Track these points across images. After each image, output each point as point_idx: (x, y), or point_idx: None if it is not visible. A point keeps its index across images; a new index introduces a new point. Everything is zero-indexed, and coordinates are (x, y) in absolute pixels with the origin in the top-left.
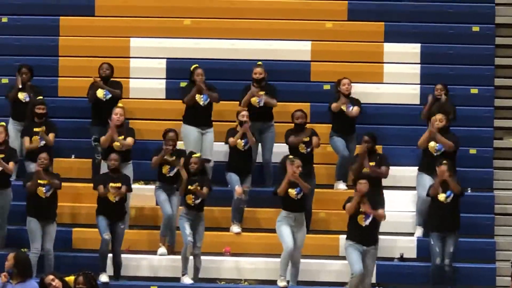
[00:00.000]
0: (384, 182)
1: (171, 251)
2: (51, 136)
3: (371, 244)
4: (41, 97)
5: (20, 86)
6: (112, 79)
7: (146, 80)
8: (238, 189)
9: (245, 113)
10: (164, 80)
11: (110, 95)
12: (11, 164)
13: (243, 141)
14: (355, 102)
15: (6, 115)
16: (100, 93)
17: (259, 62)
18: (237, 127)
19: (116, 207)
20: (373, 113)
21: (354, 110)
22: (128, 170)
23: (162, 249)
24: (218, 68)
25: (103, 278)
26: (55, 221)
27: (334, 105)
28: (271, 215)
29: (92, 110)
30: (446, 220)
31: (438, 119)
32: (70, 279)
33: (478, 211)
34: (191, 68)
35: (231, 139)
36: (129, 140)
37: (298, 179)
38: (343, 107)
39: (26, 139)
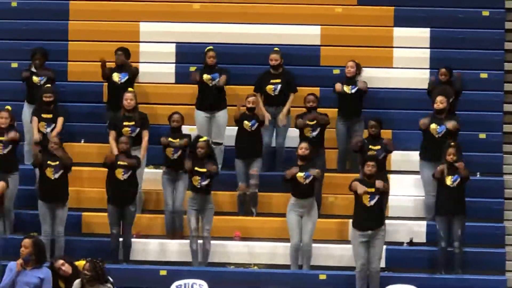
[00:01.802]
0: (394, 166)
1: (180, 235)
2: (59, 120)
3: (377, 226)
4: (49, 85)
5: (34, 70)
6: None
7: (155, 64)
8: (241, 185)
9: (251, 99)
10: (174, 65)
11: (125, 78)
12: (15, 133)
13: (250, 122)
14: (361, 85)
15: (18, 99)
16: (115, 76)
17: (276, 48)
18: (244, 112)
19: (125, 186)
20: (382, 98)
21: (360, 84)
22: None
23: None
24: (227, 52)
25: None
26: (66, 204)
27: (337, 86)
28: (281, 199)
29: (107, 94)
30: (451, 204)
31: (439, 101)
32: (80, 263)
33: (488, 196)
34: (205, 50)
35: (235, 115)
36: (144, 142)
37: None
38: (346, 89)
39: (34, 119)
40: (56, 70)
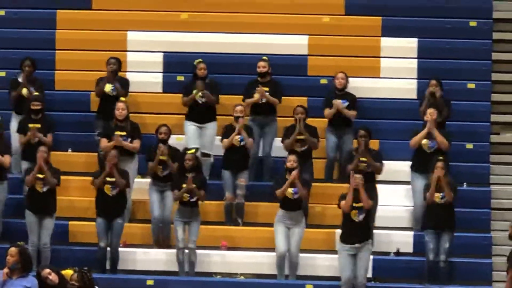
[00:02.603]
0: (381, 176)
1: (166, 245)
2: (49, 136)
3: (364, 239)
4: (37, 93)
5: (21, 80)
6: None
7: (143, 73)
8: (228, 195)
9: (239, 108)
10: (161, 74)
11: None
12: (6, 157)
13: (238, 137)
14: (350, 98)
15: (5, 108)
16: (107, 87)
17: (264, 57)
18: (233, 123)
19: (114, 202)
20: (369, 108)
21: (351, 113)
22: (131, 165)
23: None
24: (215, 62)
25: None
26: (53, 216)
27: (326, 112)
28: (268, 209)
29: (99, 104)
30: (441, 219)
31: (429, 113)
32: (67, 272)
33: (475, 206)
34: (195, 63)
35: (224, 141)
36: (136, 143)
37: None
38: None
39: (21, 136)
40: (43, 79)
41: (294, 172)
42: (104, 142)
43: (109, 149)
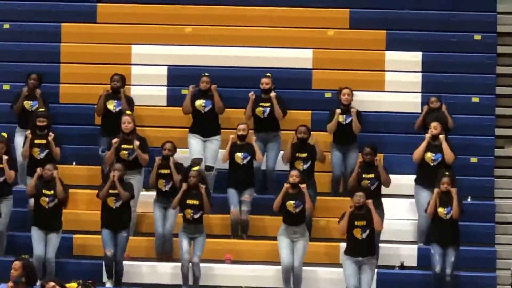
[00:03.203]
0: (385, 190)
1: (169, 259)
2: (56, 151)
3: (369, 254)
4: (42, 109)
5: (27, 93)
6: (124, 93)
7: (147, 87)
8: (233, 210)
9: (242, 126)
10: (166, 87)
11: (120, 108)
12: (11, 173)
13: (241, 154)
14: (355, 114)
15: (11, 121)
16: (110, 104)
17: (268, 74)
18: (236, 141)
19: (118, 214)
20: (374, 121)
21: (355, 127)
22: (136, 179)
23: (108, 284)
24: (219, 75)
25: (108, 284)
26: (59, 231)
27: (329, 127)
28: (272, 222)
29: (101, 120)
30: (446, 235)
31: (433, 127)
32: (71, 286)
33: (479, 220)
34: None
35: (222, 155)
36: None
37: None
38: (340, 119)
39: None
40: (48, 92)
41: (286, 184)
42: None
43: (110, 158)
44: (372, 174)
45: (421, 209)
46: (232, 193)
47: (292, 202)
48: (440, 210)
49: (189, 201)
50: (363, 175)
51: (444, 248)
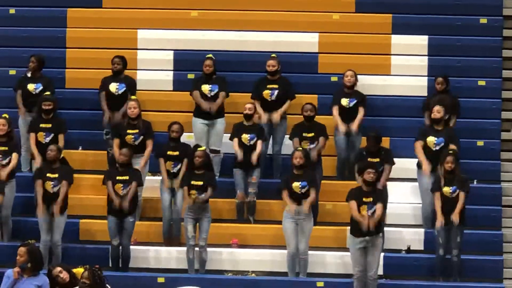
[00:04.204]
0: (392, 173)
1: (177, 243)
2: (60, 138)
3: (375, 233)
4: (48, 93)
5: (29, 75)
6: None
7: (153, 71)
8: (240, 194)
9: (249, 105)
10: (172, 72)
11: (122, 90)
12: (14, 156)
13: (248, 136)
14: (358, 97)
15: (16, 106)
16: (113, 87)
17: (273, 55)
18: (243, 121)
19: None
20: (380, 105)
21: (359, 117)
22: (142, 162)
23: None
24: (225, 59)
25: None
26: (64, 214)
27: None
28: (278, 207)
29: (104, 101)
30: (450, 214)
31: (436, 110)
32: (78, 270)
33: (485, 203)
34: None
35: (234, 145)
36: (147, 151)
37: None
38: (344, 103)
39: (32, 135)
40: (54, 77)
41: (289, 207)
42: (116, 143)
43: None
44: (377, 158)
45: (424, 194)
46: (238, 175)
47: (298, 183)
48: (446, 189)
49: (194, 182)
50: (368, 159)
51: (449, 228)
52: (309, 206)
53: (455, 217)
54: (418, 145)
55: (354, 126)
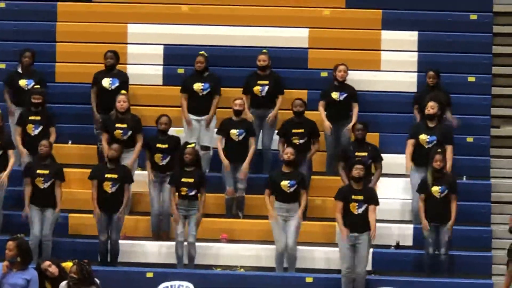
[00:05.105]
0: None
1: (166, 238)
2: (52, 130)
3: (364, 231)
4: (38, 86)
5: (20, 71)
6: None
7: (143, 66)
8: (229, 189)
9: (238, 101)
10: (162, 66)
11: (116, 85)
12: (10, 152)
13: (237, 131)
14: (348, 91)
15: (4, 100)
16: (106, 82)
17: (264, 50)
18: (231, 119)
19: (113, 198)
20: (370, 101)
21: (355, 113)
22: (131, 157)
23: None
24: (215, 54)
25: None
26: (55, 208)
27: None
28: None
29: (96, 98)
30: (439, 213)
31: (430, 107)
32: (67, 264)
33: (475, 199)
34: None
35: (218, 144)
36: (137, 147)
37: None
38: (334, 96)
39: (18, 129)
40: (44, 71)
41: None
42: (105, 138)
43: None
44: (365, 152)
45: (415, 191)
46: (227, 171)
47: (286, 182)
48: (434, 188)
49: (184, 179)
50: (356, 153)
51: (438, 227)
52: (302, 213)
53: (449, 228)
54: (409, 143)
55: (351, 125)
